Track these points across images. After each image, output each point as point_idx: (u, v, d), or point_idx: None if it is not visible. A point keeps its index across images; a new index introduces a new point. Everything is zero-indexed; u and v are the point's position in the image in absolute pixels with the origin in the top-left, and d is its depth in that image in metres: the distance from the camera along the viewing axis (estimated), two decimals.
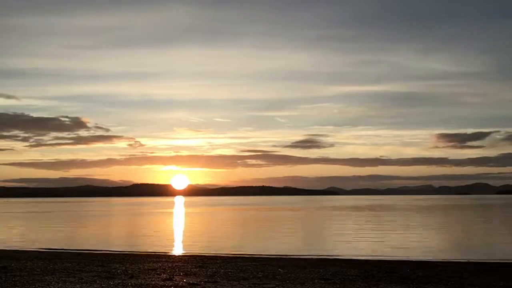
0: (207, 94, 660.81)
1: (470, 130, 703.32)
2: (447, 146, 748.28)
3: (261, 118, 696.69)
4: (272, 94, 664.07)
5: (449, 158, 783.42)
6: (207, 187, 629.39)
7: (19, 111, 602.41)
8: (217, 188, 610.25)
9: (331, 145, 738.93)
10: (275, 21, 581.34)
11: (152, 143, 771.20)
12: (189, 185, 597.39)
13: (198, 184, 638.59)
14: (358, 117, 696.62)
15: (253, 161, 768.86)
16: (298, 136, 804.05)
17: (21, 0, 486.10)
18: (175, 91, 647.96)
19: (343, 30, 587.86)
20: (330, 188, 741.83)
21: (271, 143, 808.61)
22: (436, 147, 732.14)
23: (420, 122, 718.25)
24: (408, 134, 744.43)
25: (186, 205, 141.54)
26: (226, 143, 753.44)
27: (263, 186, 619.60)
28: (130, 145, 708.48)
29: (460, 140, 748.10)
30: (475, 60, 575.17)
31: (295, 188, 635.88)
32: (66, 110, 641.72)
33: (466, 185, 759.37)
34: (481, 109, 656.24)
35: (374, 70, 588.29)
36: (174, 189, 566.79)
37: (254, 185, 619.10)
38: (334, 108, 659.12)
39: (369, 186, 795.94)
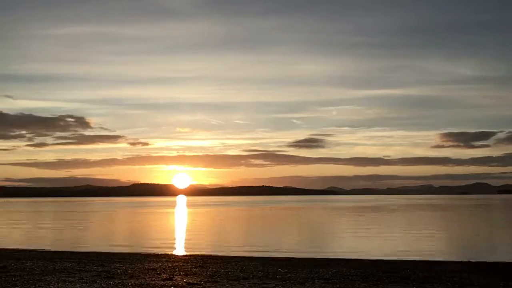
0: (232, 98, 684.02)
1: (478, 131, 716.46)
2: (453, 146, 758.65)
3: (279, 120, 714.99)
4: (295, 97, 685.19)
5: (452, 158, 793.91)
6: (207, 187, 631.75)
7: (27, 112, 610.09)
8: (216, 188, 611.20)
9: (338, 145, 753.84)
10: (306, 30, 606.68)
11: (161, 144, 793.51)
12: (190, 185, 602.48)
13: (198, 184, 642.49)
14: (375, 118, 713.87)
15: (257, 161, 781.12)
16: (309, 137, 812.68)
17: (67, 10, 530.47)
18: (201, 95, 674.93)
19: (371, 38, 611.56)
20: (330, 188, 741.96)
21: (280, 144, 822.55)
22: (442, 146, 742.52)
23: (433, 123, 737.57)
24: (419, 135, 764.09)
25: (182, 205, 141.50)
26: (239, 143, 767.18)
27: (263, 186, 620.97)
28: (133, 144, 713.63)
29: (466, 139, 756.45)
30: (494, 66, 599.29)
31: (295, 188, 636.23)
32: (92, 112, 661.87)
33: (466, 185, 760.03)
34: (493, 111, 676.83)
35: (398, 75, 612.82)
36: (175, 189, 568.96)
37: (253, 185, 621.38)
38: (353, 110, 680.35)
39: (369, 186, 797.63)
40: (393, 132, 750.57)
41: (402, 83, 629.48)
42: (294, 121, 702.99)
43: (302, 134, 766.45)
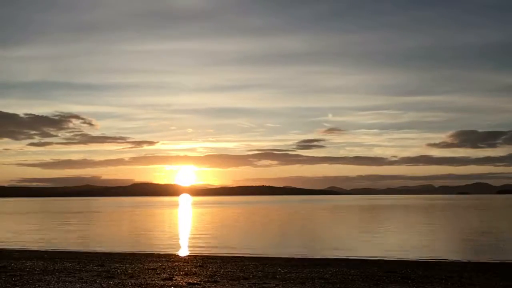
0: (272, 104, 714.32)
1: (487, 131, 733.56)
2: (460, 146, 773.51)
3: (310, 123, 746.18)
4: (333, 103, 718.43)
5: (457, 157, 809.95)
6: (209, 186, 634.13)
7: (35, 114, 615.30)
8: (218, 188, 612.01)
9: (359, 145, 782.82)
10: (359, 44, 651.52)
11: (172, 146, 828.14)
12: (192, 185, 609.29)
13: (200, 184, 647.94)
14: (407, 122, 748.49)
15: (264, 161, 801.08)
16: (317, 137, 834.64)
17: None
18: (243, 101, 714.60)
19: (417, 51, 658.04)
20: (330, 188, 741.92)
21: (295, 144, 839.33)
22: (451, 146, 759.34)
23: (452, 126, 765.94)
24: (436, 136, 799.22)
25: (183, 204, 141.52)
26: (259, 145, 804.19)
27: (262, 185, 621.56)
28: (139, 145, 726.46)
29: (475, 140, 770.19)
30: None
31: (295, 188, 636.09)
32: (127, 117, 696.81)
33: (466, 185, 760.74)
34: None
35: (442, 83, 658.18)
36: (175, 189, 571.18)
37: (253, 185, 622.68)
38: (388, 115, 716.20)
39: (369, 186, 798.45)
40: (417, 135, 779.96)
41: (441, 91, 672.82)
42: (324, 124, 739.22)
43: (319, 135, 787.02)
